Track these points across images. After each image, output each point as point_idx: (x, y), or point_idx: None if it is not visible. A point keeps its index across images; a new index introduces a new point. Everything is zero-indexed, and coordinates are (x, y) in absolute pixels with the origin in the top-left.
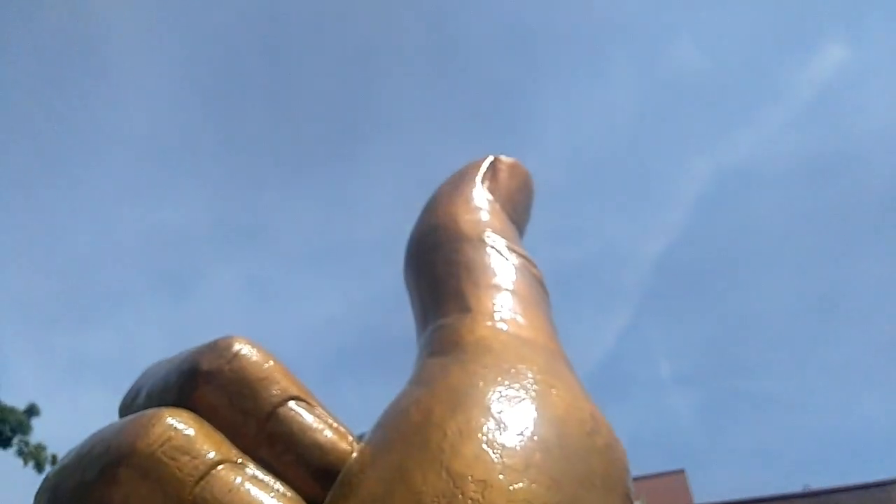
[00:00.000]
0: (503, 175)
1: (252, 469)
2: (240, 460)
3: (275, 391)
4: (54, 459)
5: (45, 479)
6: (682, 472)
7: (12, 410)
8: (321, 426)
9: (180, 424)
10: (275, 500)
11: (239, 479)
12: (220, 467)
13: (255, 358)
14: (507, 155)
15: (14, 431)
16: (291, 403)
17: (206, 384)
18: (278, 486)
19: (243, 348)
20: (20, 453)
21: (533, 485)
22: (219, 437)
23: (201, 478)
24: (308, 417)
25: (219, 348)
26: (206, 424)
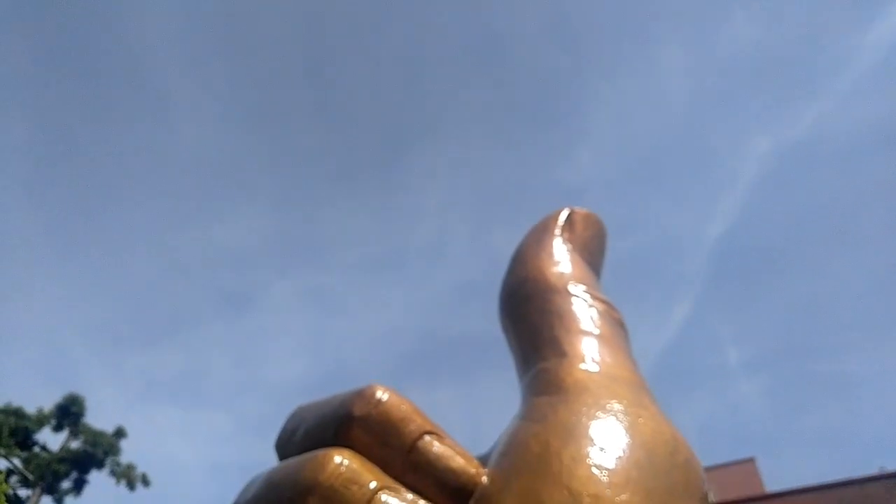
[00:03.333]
0: (579, 226)
1: (404, 492)
2: (394, 486)
3: (412, 428)
4: (144, 478)
5: None
6: (752, 460)
7: (102, 434)
8: (452, 454)
9: (346, 460)
10: None
11: (396, 500)
12: (381, 492)
13: (394, 402)
14: (581, 206)
15: (106, 453)
16: (426, 437)
17: (358, 427)
18: (425, 503)
19: (384, 395)
20: (113, 473)
21: (633, 496)
22: (375, 468)
23: (369, 501)
24: (440, 448)
25: (366, 396)
26: (364, 459)
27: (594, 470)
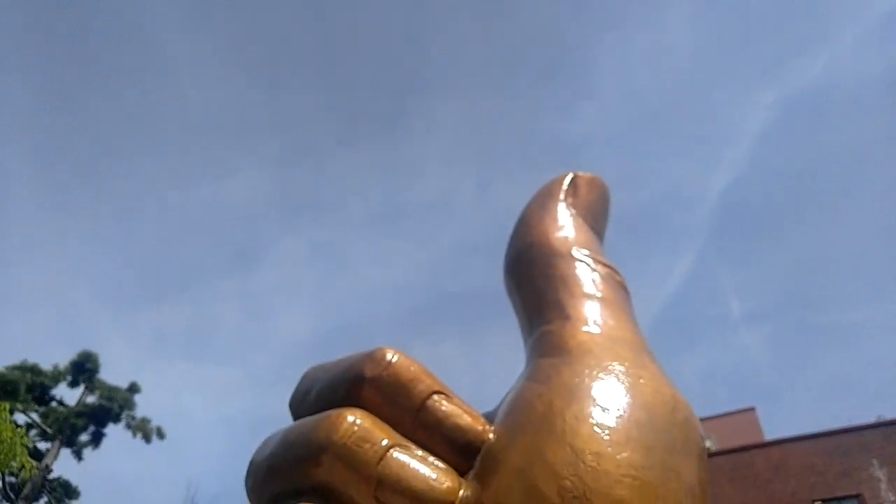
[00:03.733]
0: (583, 190)
1: (414, 449)
2: (404, 443)
3: (421, 388)
4: (159, 431)
5: (254, 463)
6: (752, 409)
7: (117, 389)
8: (459, 412)
9: (359, 420)
10: (433, 471)
11: (407, 457)
12: (392, 450)
13: (403, 363)
14: (585, 170)
15: (122, 408)
16: (435, 397)
17: (369, 388)
18: (434, 460)
19: (394, 357)
20: (128, 427)
21: (633, 453)
22: (386, 427)
23: (381, 458)
24: (448, 406)
25: (376, 358)
26: (376, 418)
27: (596, 429)
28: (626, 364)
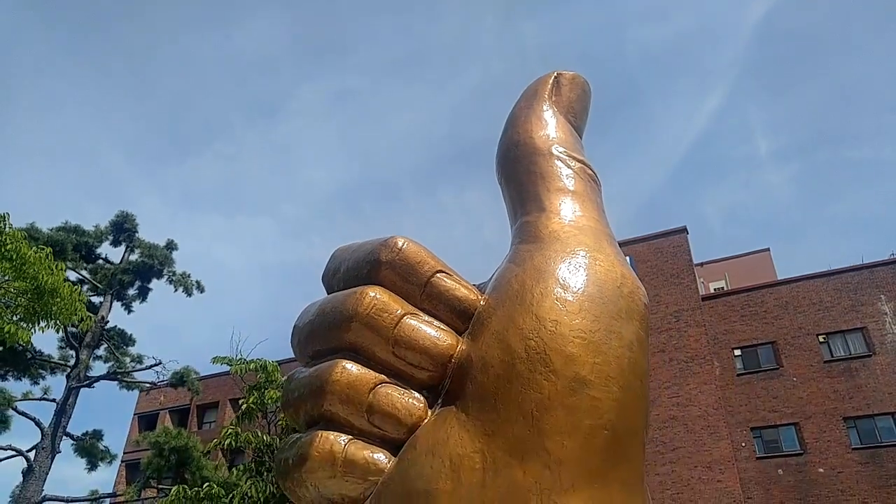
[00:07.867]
0: (565, 88)
1: (422, 316)
2: (414, 311)
3: (427, 268)
4: (199, 284)
5: (297, 327)
6: (766, 250)
7: (156, 247)
8: (458, 286)
9: (378, 295)
10: (438, 332)
11: (417, 322)
12: (405, 317)
13: (412, 248)
14: (568, 69)
15: (162, 265)
16: (438, 274)
17: (385, 269)
18: (438, 324)
19: (405, 244)
20: (170, 282)
21: (583, 320)
22: (400, 299)
23: (396, 324)
24: (450, 282)
25: (390, 245)
26: (392, 293)
27: (556, 302)
28: (587, 248)
